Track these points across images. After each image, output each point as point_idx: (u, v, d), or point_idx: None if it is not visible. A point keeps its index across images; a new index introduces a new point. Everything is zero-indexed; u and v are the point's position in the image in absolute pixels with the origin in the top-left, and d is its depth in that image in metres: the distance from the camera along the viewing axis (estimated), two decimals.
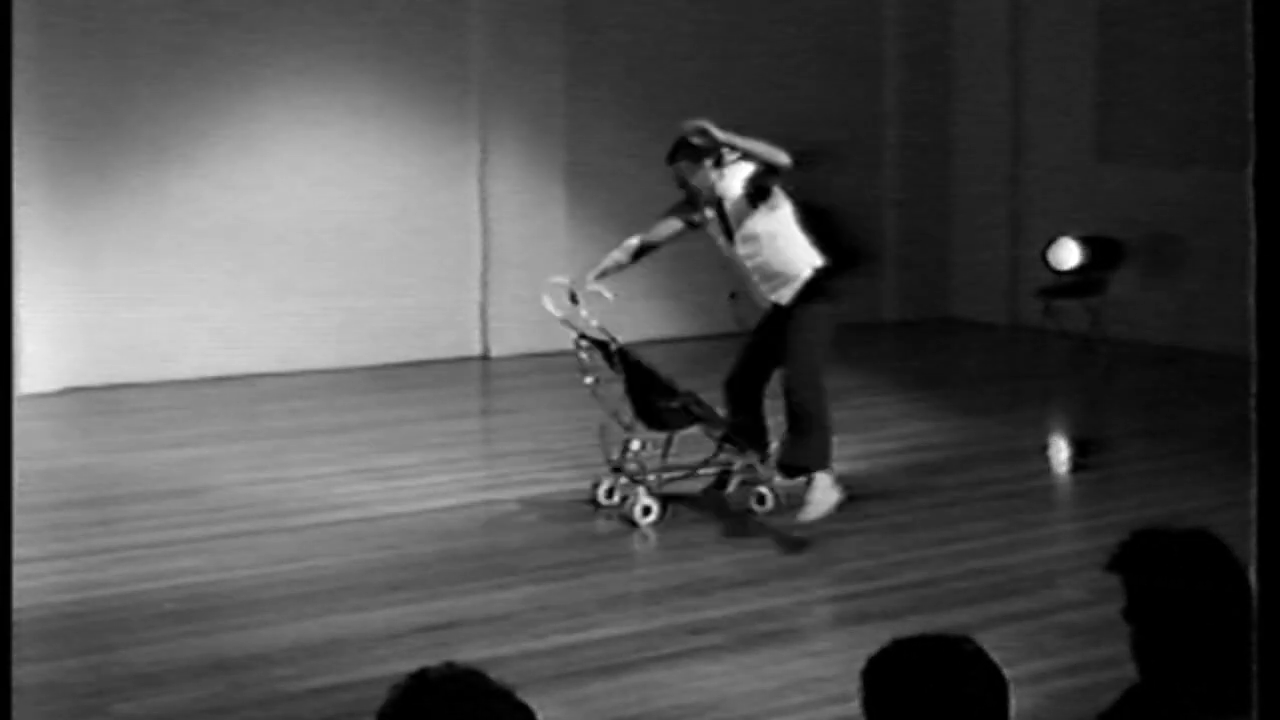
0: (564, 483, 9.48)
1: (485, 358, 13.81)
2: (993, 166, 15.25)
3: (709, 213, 8.57)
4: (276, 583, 7.72)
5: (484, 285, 13.89)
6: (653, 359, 9.05)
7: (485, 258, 13.88)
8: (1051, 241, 13.92)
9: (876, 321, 14.89)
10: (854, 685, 2.97)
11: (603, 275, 8.76)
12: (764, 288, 8.56)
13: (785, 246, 8.47)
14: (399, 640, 6.85)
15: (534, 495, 9.27)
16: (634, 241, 8.81)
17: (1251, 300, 1.89)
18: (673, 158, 8.49)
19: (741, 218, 8.46)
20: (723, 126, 8.13)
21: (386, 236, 13.50)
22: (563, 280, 8.88)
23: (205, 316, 12.85)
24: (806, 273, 8.44)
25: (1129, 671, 3.31)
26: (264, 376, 12.71)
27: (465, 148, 13.77)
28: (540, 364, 13.39)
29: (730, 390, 8.81)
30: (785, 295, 8.46)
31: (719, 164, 8.40)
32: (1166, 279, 13.90)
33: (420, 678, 2.54)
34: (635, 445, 8.71)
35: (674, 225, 8.76)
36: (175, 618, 7.19)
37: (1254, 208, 1.86)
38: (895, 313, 15.31)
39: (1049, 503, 9.68)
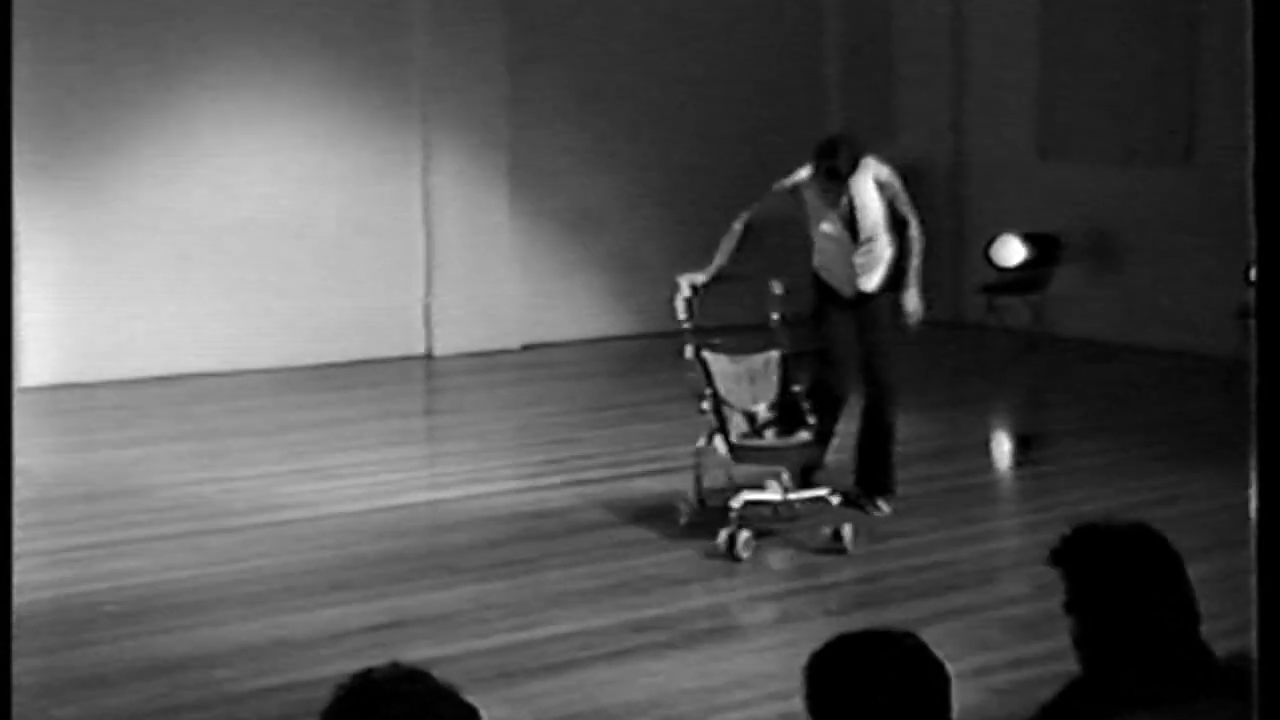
0: (507, 481, 9.49)
1: (429, 357, 13.77)
2: (935, 164, 15.29)
3: (835, 220, 8.55)
4: (219, 583, 7.69)
5: (428, 284, 13.85)
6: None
7: (428, 256, 13.84)
8: (994, 238, 13.99)
9: None
10: (797, 681, 2.98)
11: (718, 276, 8.50)
12: (859, 274, 8.65)
13: (886, 234, 8.68)
14: (343, 640, 6.83)
15: (477, 494, 9.26)
16: (738, 226, 8.64)
17: (1251, 298, 1.90)
18: (832, 154, 8.32)
19: (871, 215, 8.58)
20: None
21: (329, 235, 13.44)
22: (694, 278, 8.45)
23: (147, 316, 12.76)
24: (888, 256, 8.70)
25: (1070, 665, 3.34)
26: (206, 376, 12.63)
27: (407, 146, 13.73)
28: (484, 363, 13.39)
29: (824, 392, 8.52)
30: (872, 281, 8.68)
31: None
32: (1108, 275, 13.98)
33: (364, 678, 2.54)
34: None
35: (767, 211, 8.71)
36: (117, 619, 7.16)
37: (1254, 207, 1.87)
38: None
39: (990, 498, 9.73)
